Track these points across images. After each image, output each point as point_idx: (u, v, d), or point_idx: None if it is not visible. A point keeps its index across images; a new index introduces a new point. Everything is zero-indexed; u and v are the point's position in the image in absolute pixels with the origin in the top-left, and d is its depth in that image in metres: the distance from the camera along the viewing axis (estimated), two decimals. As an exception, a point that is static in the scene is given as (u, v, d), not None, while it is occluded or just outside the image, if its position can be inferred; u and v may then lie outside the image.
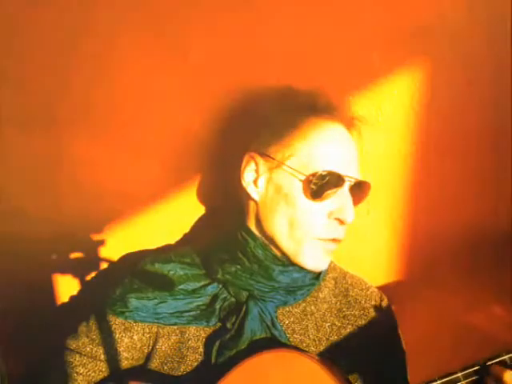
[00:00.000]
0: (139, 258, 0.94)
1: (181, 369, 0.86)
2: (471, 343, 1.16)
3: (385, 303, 0.98)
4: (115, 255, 1.04)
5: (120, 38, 0.97)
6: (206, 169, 1.05)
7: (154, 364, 0.87)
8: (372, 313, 0.95)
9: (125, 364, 0.87)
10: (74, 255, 1.02)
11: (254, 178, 0.88)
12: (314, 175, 0.83)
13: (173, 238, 1.06)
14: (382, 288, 1.00)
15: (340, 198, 0.85)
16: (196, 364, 0.86)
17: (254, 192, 0.88)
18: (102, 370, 0.86)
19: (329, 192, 0.84)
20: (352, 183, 0.87)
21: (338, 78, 1.07)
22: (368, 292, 0.97)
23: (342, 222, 0.85)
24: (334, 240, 0.87)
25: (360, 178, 0.89)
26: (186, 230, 1.05)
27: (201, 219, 1.02)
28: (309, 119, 0.87)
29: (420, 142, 1.14)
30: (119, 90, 1.00)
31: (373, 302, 0.96)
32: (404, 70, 1.10)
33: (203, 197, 1.06)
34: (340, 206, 0.85)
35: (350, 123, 0.91)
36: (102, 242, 1.03)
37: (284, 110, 0.89)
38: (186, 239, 1.02)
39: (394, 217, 1.18)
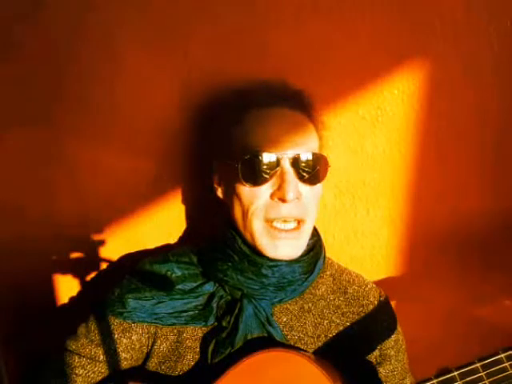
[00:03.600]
0: (138, 258, 0.95)
1: (178, 368, 0.87)
2: (469, 341, 1.16)
3: (384, 300, 0.97)
4: (115, 255, 1.05)
5: (119, 38, 0.97)
6: (203, 169, 1.06)
7: (152, 364, 0.88)
8: (371, 310, 0.94)
9: (124, 365, 0.87)
10: (74, 255, 1.02)
11: (218, 180, 0.94)
12: (243, 162, 0.84)
13: (172, 237, 1.06)
14: (381, 285, 1.00)
15: (280, 177, 0.85)
16: (193, 363, 0.87)
17: (220, 193, 0.94)
18: (101, 370, 0.87)
19: (265, 176, 0.84)
20: (294, 158, 0.84)
21: (338, 77, 1.08)
22: (366, 289, 0.97)
23: (282, 200, 0.84)
24: (284, 220, 0.85)
25: (306, 151, 0.86)
26: (185, 229, 1.06)
27: (198, 219, 1.02)
28: (251, 112, 0.88)
29: (420, 141, 1.14)
30: (118, 90, 1.00)
31: (371, 299, 0.96)
32: (404, 70, 1.10)
33: (201, 196, 1.06)
34: (279, 185, 0.84)
35: (305, 109, 0.91)
36: (101, 242, 1.04)
37: (233, 109, 0.91)
38: (184, 239, 1.02)
39: (394, 216, 1.18)
